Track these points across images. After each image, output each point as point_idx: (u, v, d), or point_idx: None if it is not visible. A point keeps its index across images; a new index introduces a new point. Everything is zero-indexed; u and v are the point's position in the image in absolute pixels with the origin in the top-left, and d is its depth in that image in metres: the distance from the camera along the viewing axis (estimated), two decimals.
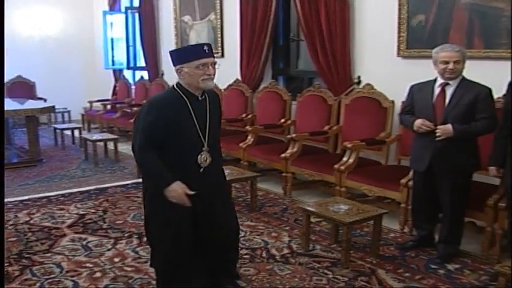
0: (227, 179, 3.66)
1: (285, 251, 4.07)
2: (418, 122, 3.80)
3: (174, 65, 3.02)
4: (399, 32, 5.17)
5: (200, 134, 3.04)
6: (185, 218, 3.05)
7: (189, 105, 3.02)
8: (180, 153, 3.01)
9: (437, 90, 3.81)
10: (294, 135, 5.61)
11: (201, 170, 3.05)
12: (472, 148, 3.81)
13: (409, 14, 5.08)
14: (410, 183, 4.21)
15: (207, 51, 2.99)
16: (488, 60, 4.47)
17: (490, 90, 3.71)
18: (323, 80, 5.99)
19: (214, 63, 3.02)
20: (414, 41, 5.09)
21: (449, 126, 3.68)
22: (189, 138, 3.01)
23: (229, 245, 3.31)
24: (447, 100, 3.75)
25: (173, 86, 3.09)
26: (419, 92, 3.93)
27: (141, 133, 2.97)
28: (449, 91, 3.76)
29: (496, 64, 4.38)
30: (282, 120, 6.32)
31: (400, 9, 5.12)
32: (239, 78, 7.15)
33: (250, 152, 6.01)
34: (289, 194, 5.49)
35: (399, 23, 5.15)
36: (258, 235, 4.40)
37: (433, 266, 3.83)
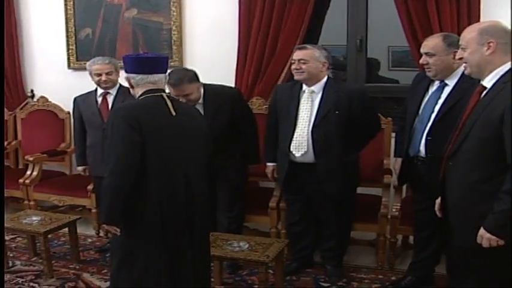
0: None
1: None
2: None
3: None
4: (68, 45, 5.28)
5: None
6: None
7: None
8: None
9: (99, 98, 4.12)
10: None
11: None
12: None
13: (76, 28, 5.23)
14: None
15: None
16: None
17: None
18: None
19: None
20: (83, 53, 5.23)
21: None
22: None
23: None
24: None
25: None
26: (84, 102, 4.18)
27: None
28: (110, 98, 4.10)
29: None
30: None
31: (67, 23, 5.23)
32: None
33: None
34: None
35: (67, 36, 5.26)
36: None
37: None
